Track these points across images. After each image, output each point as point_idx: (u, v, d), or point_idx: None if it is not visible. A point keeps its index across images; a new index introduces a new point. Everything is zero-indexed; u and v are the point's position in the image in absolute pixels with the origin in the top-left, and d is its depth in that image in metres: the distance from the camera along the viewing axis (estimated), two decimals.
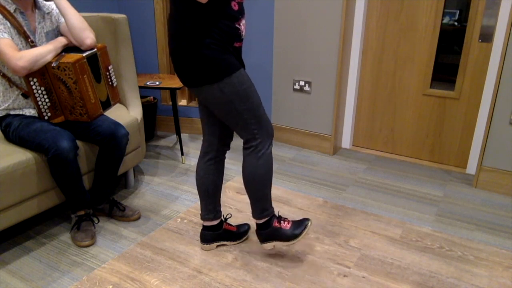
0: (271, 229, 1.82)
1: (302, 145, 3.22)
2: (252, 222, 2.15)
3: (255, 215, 1.83)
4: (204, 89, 1.63)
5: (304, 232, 1.79)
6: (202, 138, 3.38)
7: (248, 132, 1.69)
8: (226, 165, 2.90)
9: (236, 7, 1.59)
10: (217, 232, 1.96)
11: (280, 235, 1.81)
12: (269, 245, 1.85)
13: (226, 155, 3.01)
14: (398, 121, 3.00)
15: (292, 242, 1.80)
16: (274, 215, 1.84)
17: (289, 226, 1.81)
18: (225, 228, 1.98)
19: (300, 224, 1.81)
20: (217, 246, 2.00)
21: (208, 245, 1.97)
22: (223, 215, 2.05)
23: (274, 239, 1.83)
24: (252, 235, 2.08)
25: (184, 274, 1.81)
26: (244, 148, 1.74)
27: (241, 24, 1.62)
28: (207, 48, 1.56)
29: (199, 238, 2.04)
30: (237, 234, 2.02)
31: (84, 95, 1.91)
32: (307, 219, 1.83)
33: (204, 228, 1.96)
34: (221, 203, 2.36)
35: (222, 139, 1.84)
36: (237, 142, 3.28)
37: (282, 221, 1.82)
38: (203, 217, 1.93)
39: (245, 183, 1.78)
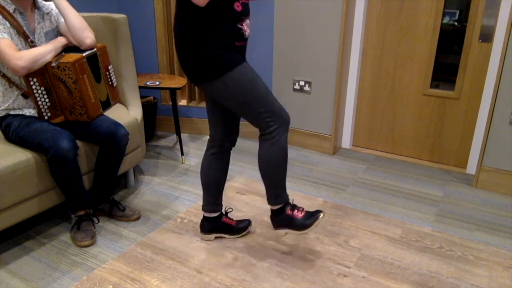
0: (284, 216, 1.81)
1: (302, 145, 3.22)
2: (253, 220, 2.16)
3: (270, 201, 1.83)
4: (210, 85, 1.66)
5: (315, 224, 1.78)
6: (202, 138, 3.39)
7: (261, 121, 1.70)
8: None
9: (239, 8, 1.60)
10: (215, 224, 2.00)
11: (292, 223, 1.80)
12: (282, 232, 1.85)
13: None
14: (398, 121, 3.00)
15: (302, 232, 1.79)
16: (288, 203, 1.83)
17: (301, 215, 1.80)
18: (223, 221, 2.01)
19: (312, 215, 1.80)
20: (216, 237, 2.03)
21: (207, 235, 2.02)
22: (225, 209, 2.11)
23: (287, 226, 1.82)
24: (253, 232, 2.08)
25: (184, 274, 1.81)
26: (260, 135, 1.75)
27: (244, 24, 1.63)
28: (208, 46, 1.59)
29: (199, 238, 2.04)
30: (236, 228, 2.04)
31: (84, 95, 1.91)
32: (321, 211, 1.80)
33: (204, 218, 2.01)
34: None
35: (225, 135, 1.87)
36: (237, 143, 3.28)
37: (295, 210, 1.81)
38: (202, 208, 1.99)
39: (260, 169, 1.79)
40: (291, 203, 1.84)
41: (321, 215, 1.79)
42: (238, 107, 1.69)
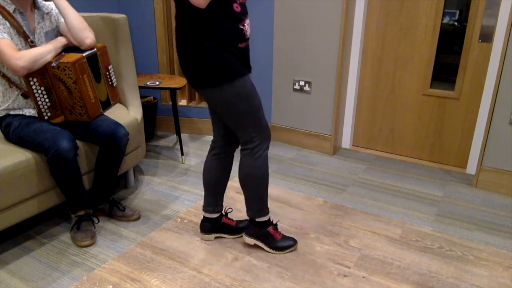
0: (264, 232, 1.91)
1: (302, 145, 3.22)
2: None
3: (252, 213, 1.89)
4: (207, 91, 1.66)
5: (287, 251, 1.92)
6: (202, 138, 3.39)
7: (246, 134, 1.73)
8: None
9: (238, 9, 1.59)
10: (215, 225, 2.01)
11: (268, 240, 1.92)
12: (251, 241, 1.94)
13: None
14: (398, 121, 3.00)
15: (273, 252, 1.92)
16: (272, 222, 1.92)
17: (279, 237, 1.93)
18: (224, 222, 2.02)
19: (288, 240, 1.94)
20: (216, 237, 2.04)
21: (207, 236, 2.03)
22: (225, 209, 2.13)
23: (262, 241, 1.93)
24: None
25: (184, 274, 1.81)
26: (241, 149, 1.79)
27: (244, 24, 1.63)
28: (210, 50, 1.57)
29: (199, 238, 2.04)
30: (236, 228, 2.04)
31: (84, 95, 1.91)
32: (295, 242, 1.95)
33: (204, 218, 2.01)
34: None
35: (226, 137, 1.88)
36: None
37: (276, 231, 1.93)
38: (203, 208, 2.00)
39: (241, 183, 1.83)
40: (274, 223, 1.95)
41: (295, 246, 1.94)
42: (229, 116, 1.70)
